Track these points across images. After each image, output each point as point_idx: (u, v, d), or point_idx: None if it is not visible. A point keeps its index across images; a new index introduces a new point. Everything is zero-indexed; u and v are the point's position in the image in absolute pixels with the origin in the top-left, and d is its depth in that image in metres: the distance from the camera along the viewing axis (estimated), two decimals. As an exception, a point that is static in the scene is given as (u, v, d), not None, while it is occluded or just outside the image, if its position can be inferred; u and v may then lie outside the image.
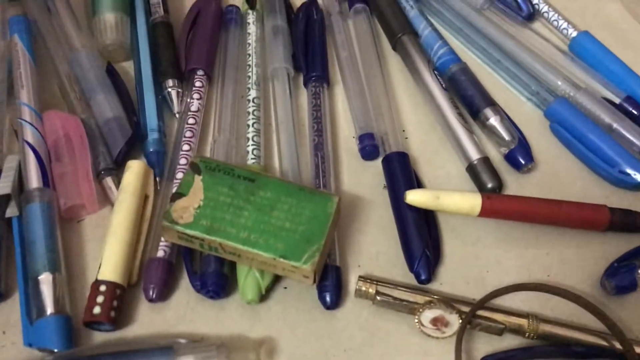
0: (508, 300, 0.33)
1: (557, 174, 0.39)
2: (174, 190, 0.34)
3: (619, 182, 0.38)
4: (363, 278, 0.33)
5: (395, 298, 0.32)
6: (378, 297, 0.32)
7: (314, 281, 0.32)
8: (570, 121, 0.39)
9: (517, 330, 0.32)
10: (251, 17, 0.44)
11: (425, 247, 0.34)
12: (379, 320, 0.33)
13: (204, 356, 0.29)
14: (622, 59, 0.44)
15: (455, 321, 0.31)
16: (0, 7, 0.42)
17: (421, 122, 0.41)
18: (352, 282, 0.34)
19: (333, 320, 0.33)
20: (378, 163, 0.38)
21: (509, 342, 0.32)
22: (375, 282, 0.33)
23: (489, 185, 0.37)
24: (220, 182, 0.33)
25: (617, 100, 0.41)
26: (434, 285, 0.34)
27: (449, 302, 0.32)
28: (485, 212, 0.35)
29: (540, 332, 0.32)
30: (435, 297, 0.32)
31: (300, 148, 0.38)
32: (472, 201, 0.34)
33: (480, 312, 0.32)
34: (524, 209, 0.35)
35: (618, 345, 0.31)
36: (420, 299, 0.32)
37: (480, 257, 0.35)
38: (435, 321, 0.32)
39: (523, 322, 0.32)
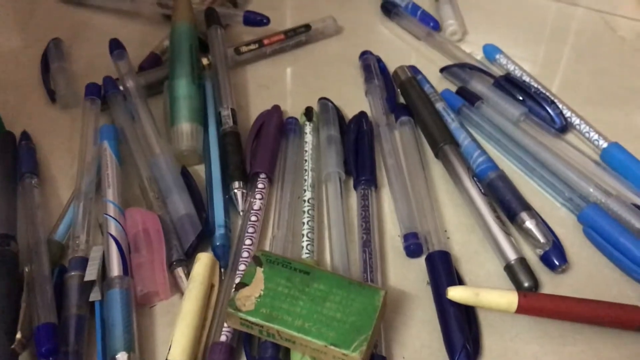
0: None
1: (591, 276, 0.41)
2: (237, 280, 0.38)
3: (653, 283, 0.40)
4: None
5: (438, 389, 0.35)
6: (422, 388, 0.35)
7: (362, 369, 0.34)
8: (602, 226, 0.42)
9: None
10: (308, 128, 0.49)
11: (466, 341, 0.36)
12: (422, 409, 0.35)
13: None
14: (653, 168, 0.47)
15: (494, 412, 0.33)
16: (94, 117, 0.49)
17: (462, 224, 0.45)
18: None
19: (379, 408, 0.35)
20: (422, 261, 0.42)
21: None
22: (418, 373, 0.35)
23: (526, 284, 0.40)
24: (279, 274, 0.37)
25: (647, 207, 0.44)
26: (473, 378, 0.36)
27: None
28: (521, 309, 0.37)
29: None
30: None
31: (350, 245, 0.42)
32: (510, 298, 0.37)
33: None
34: (558, 307, 0.38)
35: None
36: (460, 389, 0.34)
37: (519, 353, 0.37)
38: (475, 411, 0.34)
39: None
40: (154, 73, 0.54)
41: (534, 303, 0.38)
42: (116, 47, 0.54)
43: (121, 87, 0.51)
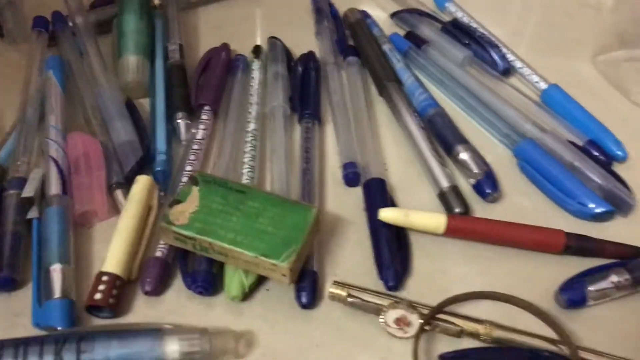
0: (469, 310, 0.37)
1: (523, 206, 0.43)
2: (173, 197, 0.39)
3: (578, 213, 0.41)
4: (337, 282, 0.36)
5: (364, 300, 0.36)
6: (349, 299, 0.36)
7: (291, 280, 0.35)
8: (536, 159, 0.44)
9: (473, 334, 0.35)
10: (256, 65, 0.50)
11: (394, 258, 0.37)
12: (349, 320, 0.36)
13: (188, 337, 0.33)
14: (589, 109, 0.48)
15: (416, 322, 0.35)
16: (40, 49, 0.49)
17: (401, 157, 0.46)
18: (328, 289, 0.37)
19: (308, 319, 0.36)
20: (360, 190, 0.43)
21: (466, 345, 0.35)
22: (347, 286, 0.36)
23: (457, 210, 0.41)
24: (214, 192, 0.37)
25: (580, 143, 0.46)
26: (401, 294, 0.37)
27: (411, 303, 0.35)
28: (449, 231, 0.39)
29: (494, 336, 0.35)
30: (400, 299, 0.36)
31: (291, 175, 0.43)
32: (438, 219, 0.39)
33: (441, 316, 0.35)
34: (485, 229, 0.39)
35: (565, 350, 0.34)
36: (386, 301, 0.35)
37: (447, 273, 0.39)
38: (398, 321, 0.35)
39: (479, 326, 0.35)
40: (104, 11, 0.54)
41: (461, 224, 0.39)
42: (66, -17, 0.53)
43: (70, 24, 0.52)
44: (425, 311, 0.35)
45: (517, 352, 0.34)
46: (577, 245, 0.39)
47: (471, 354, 0.34)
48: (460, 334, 0.35)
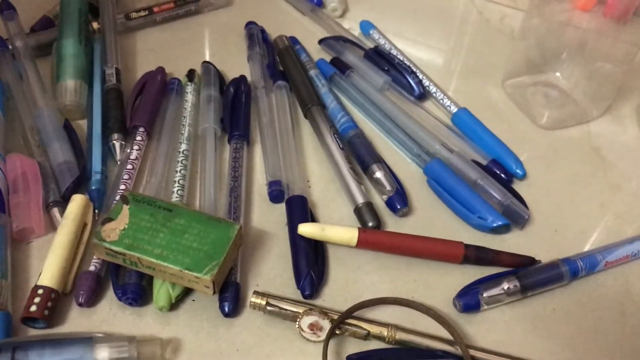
0: (377, 315, 0.41)
1: (431, 220, 0.47)
2: (105, 216, 0.42)
3: (479, 226, 0.46)
4: (257, 292, 0.40)
5: (281, 308, 0.39)
6: (268, 308, 0.39)
7: (214, 291, 0.39)
8: (443, 177, 0.48)
9: (379, 337, 0.39)
10: (189, 88, 0.53)
11: (310, 269, 0.41)
12: (269, 327, 0.40)
13: (118, 345, 0.36)
14: (497, 131, 0.53)
15: (327, 326, 0.39)
16: (-20, 72, 0.51)
17: (323, 175, 0.50)
18: (249, 299, 0.41)
19: (230, 326, 0.40)
20: (283, 206, 0.46)
21: (374, 346, 0.39)
22: (266, 296, 0.40)
23: (370, 224, 0.45)
24: (143, 211, 0.41)
25: (484, 163, 0.51)
26: (317, 302, 0.41)
27: (323, 310, 0.39)
28: (361, 243, 0.43)
29: (397, 338, 0.39)
30: (313, 306, 0.40)
31: (219, 192, 0.46)
32: (351, 233, 0.43)
33: (349, 320, 0.39)
34: (393, 241, 0.44)
35: (457, 349, 0.38)
36: (301, 308, 0.39)
37: (359, 281, 0.43)
38: (312, 326, 0.39)
39: (384, 329, 0.39)
40: (44, 35, 0.57)
41: (371, 237, 0.43)
42: (7, 7, 0.56)
43: (10, 47, 0.54)
44: (336, 316, 0.39)
45: (415, 352, 0.39)
46: (474, 256, 0.44)
47: (374, 354, 0.38)
48: (367, 336, 0.39)
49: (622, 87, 0.58)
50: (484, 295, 0.41)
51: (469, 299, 0.41)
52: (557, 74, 0.59)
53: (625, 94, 0.59)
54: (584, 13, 0.57)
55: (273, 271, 0.43)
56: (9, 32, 0.55)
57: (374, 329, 0.39)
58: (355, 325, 0.39)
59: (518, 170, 0.50)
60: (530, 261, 0.44)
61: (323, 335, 0.39)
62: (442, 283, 0.43)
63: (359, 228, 0.43)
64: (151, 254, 0.38)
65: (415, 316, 0.40)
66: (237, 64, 0.58)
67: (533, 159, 0.52)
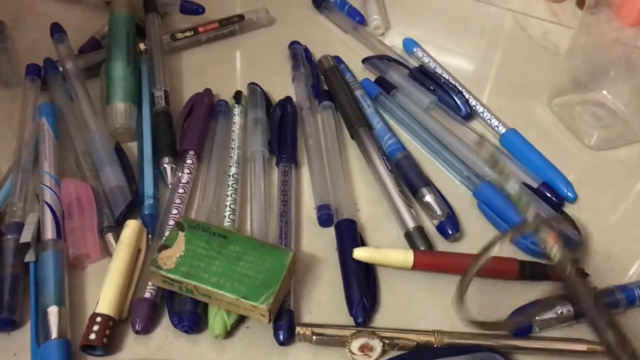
0: (415, 323, 0.41)
1: (482, 244, 0.46)
2: (161, 243, 0.42)
3: (530, 251, 0.46)
4: (300, 324, 0.40)
5: (327, 335, 0.39)
6: (314, 337, 0.39)
7: (269, 320, 0.39)
8: (493, 201, 0.48)
9: (427, 345, 0.39)
10: (237, 110, 0.54)
11: (363, 296, 0.41)
12: (321, 354, 0.40)
13: (176, 375, 0.36)
14: (544, 151, 0.53)
15: (378, 345, 0.39)
16: (33, 96, 0.52)
17: (371, 198, 0.49)
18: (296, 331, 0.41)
19: (284, 354, 0.40)
20: (333, 230, 0.46)
21: None
22: (310, 326, 0.40)
23: (422, 248, 0.45)
24: (198, 237, 0.41)
25: (535, 185, 0.50)
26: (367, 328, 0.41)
27: (370, 331, 0.39)
28: (417, 264, 0.43)
29: (445, 343, 0.39)
30: (360, 328, 0.39)
31: (269, 215, 0.46)
32: (406, 255, 0.43)
33: (397, 335, 0.39)
34: (448, 260, 0.44)
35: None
36: (347, 332, 0.39)
37: (412, 309, 0.43)
38: (362, 348, 0.39)
39: (430, 337, 0.39)
40: (93, 56, 0.57)
41: (427, 258, 0.43)
42: (57, 30, 0.57)
43: (61, 69, 0.55)
44: (385, 334, 0.39)
45: (459, 349, 0.39)
46: (529, 271, 0.44)
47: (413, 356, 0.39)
48: (417, 347, 0.39)
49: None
50: (537, 318, 0.41)
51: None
52: (605, 92, 0.59)
53: (675, 113, 0.58)
54: (632, 29, 0.56)
55: (325, 297, 0.43)
56: (59, 54, 0.55)
57: (421, 339, 0.39)
58: (404, 339, 0.39)
59: (569, 194, 0.50)
60: (582, 273, 0.44)
61: (374, 355, 0.39)
62: (496, 305, 0.43)
63: (414, 249, 0.43)
64: (208, 282, 0.39)
65: (454, 319, 0.41)
66: (281, 83, 0.58)
67: (582, 181, 0.52)
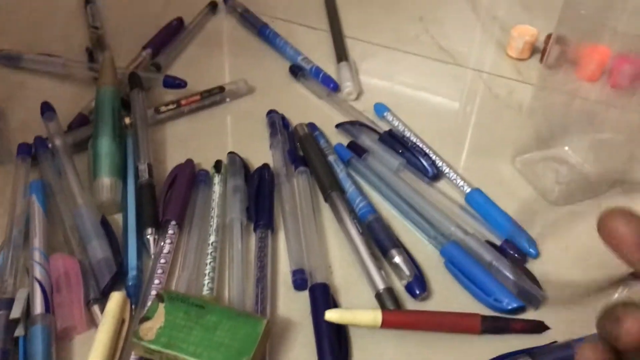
0: None
1: (449, 303, 0.49)
2: (142, 314, 0.45)
3: (495, 308, 0.48)
4: None
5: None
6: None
7: (245, 385, 0.41)
8: (459, 259, 0.51)
9: None
10: (217, 179, 0.57)
11: (334, 357, 0.44)
12: (297, 417, 0.42)
13: None
14: (509, 208, 0.56)
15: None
16: (24, 174, 0.55)
17: (345, 259, 0.52)
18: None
19: (261, 418, 0.42)
20: (307, 293, 0.49)
21: None
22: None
23: (391, 309, 0.47)
24: (178, 308, 0.43)
25: (498, 243, 0.53)
26: (342, 390, 0.43)
27: None
28: (385, 323, 0.45)
29: None
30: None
31: (247, 281, 0.49)
32: (375, 315, 0.45)
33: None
34: (413, 318, 0.46)
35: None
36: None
37: (382, 366, 0.45)
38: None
39: None
40: (81, 132, 0.61)
41: (394, 317, 0.46)
42: (47, 109, 0.60)
43: (50, 145, 0.58)
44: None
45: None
46: (492, 326, 0.46)
47: None
48: None
49: (631, 158, 0.61)
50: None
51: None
52: (566, 148, 0.62)
53: (634, 166, 0.61)
54: (590, 84, 0.60)
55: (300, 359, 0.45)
56: (49, 132, 0.59)
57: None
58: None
59: (531, 250, 0.52)
60: (540, 326, 0.47)
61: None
62: (461, 356, 0.45)
63: (382, 309, 0.46)
64: (186, 352, 0.41)
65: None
66: (260, 150, 0.62)
67: (546, 236, 0.54)
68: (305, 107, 0.68)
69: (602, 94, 0.59)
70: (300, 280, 0.49)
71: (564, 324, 0.48)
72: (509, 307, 0.47)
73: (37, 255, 0.48)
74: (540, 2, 0.86)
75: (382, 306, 0.48)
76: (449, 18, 0.84)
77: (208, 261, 0.50)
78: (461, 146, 0.64)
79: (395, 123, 0.64)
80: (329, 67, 0.73)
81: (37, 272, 0.47)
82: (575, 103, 0.61)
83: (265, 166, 0.59)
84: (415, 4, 0.87)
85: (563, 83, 0.60)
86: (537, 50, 0.76)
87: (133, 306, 0.47)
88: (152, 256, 0.51)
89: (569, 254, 0.53)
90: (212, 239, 0.52)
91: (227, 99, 0.68)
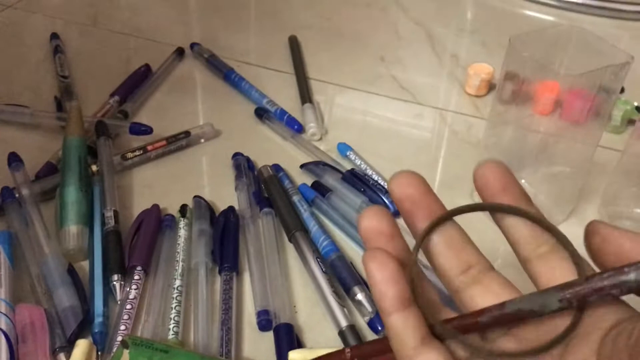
0: None
1: (411, 336, 0.51)
2: (108, 361, 0.45)
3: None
4: None
5: None
6: None
7: None
8: (420, 294, 0.52)
9: None
10: (182, 223, 0.58)
11: (298, 398, 0.44)
12: None
13: None
14: (468, 242, 0.57)
15: None
16: (-10, 225, 0.56)
17: (309, 298, 0.53)
18: None
19: None
20: (272, 333, 0.50)
21: None
22: None
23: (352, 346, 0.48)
24: (142, 354, 0.44)
25: (458, 276, 0.54)
26: None
27: None
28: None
29: None
30: None
31: (212, 324, 0.50)
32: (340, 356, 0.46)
33: None
34: (375, 347, 0.47)
35: None
36: None
37: (345, 405, 0.46)
38: None
39: None
40: (48, 181, 0.62)
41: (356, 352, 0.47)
42: (14, 160, 0.61)
43: (17, 195, 0.59)
44: None
45: None
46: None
47: None
48: None
49: (583, 189, 0.63)
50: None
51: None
52: (522, 180, 0.64)
53: (587, 196, 0.64)
54: (543, 117, 0.62)
55: (265, 401, 0.46)
56: (15, 182, 0.60)
57: None
58: None
59: (490, 281, 0.54)
60: None
61: None
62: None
63: (344, 348, 0.47)
64: (150, 398, 0.42)
65: None
66: (226, 193, 0.63)
67: (504, 269, 0.56)
68: (271, 148, 0.70)
69: (553, 126, 0.61)
70: (265, 321, 0.50)
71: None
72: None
73: (2, 306, 0.49)
74: (497, 40, 0.90)
75: (345, 343, 0.49)
76: (409, 58, 0.88)
77: (173, 305, 0.51)
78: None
79: (358, 162, 0.66)
80: (294, 108, 0.75)
81: (3, 322, 0.48)
82: (529, 136, 0.64)
83: (230, 209, 0.60)
84: (377, 44, 0.90)
85: (517, 117, 0.62)
86: (493, 87, 0.79)
87: (99, 353, 0.48)
88: (119, 302, 0.51)
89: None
90: (177, 283, 0.53)
91: (194, 143, 0.69)
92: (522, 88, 0.61)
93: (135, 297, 0.51)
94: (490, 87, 0.79)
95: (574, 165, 0.62)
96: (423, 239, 0.32)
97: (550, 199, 0.62)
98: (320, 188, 0.63)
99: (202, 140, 0.70)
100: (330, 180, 0.64)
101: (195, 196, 0.61)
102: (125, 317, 0.50)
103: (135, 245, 0.55)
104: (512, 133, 0.64)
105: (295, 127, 0.71)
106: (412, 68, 0.85)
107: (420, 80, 0.82)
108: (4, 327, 0.47)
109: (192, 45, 0.86)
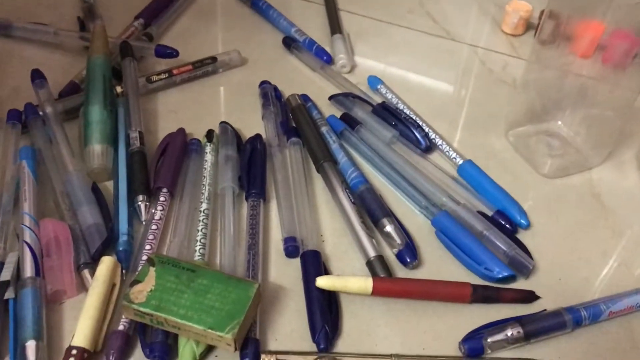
0: (373, 347, 0.44)
1: (440, 271, 0.50)
2: (133, 278, 0.44)
3: (485, 277, 0.48)
4: (265, 352, 0.43)
5: (292, 362, 0.42)
6: (279, 364, 0.42)
7: (235, 348, 0.41)
8: (450, 229, 0.51)
9: None
10: (209, 148, 0.57)
11: (325, 323, 0.44)
12: (287, 380, 0.42)
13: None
14: (501, 181, 0.56)
15: (340, 371, 0.41)
16: (14, 140, 0.55)
17: (336, 229, 0.52)
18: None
19: (251, 381, 0.42)
20: (299, 261, 0.49)
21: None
22: (275, 353, 0.42)
23: (382, 276, 0.47)
24: (168, 272, 0.43)
25: (490, 214, 0.53)
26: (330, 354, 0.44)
27: (332, 356, 0.42)
28: (376, 291, 0.45)
29: None
30: (324, 354, 0.42)
31: (238, 248, 0.49)
32: (366, 282, 0.45)
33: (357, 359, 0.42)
34: (405, 286, 0.47)
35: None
36: (310, 358, 0.42)
37: (372, 334, 0.45)
38: (324, 374, 0.41)
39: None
40: (72, 100, 0.60)
41: (385, 285, 0.46)
42: (37, 76, 0.60)
43: (41, 113, 0.58)
44: (345, 359, 0.42)
45: None
46: (482, 294, 0.46)
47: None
48: None
49: (622, 133, 0.61)
50: (488, 340, 0.44)
51: (474, 344, 0.44)
52: (559, 122, 0.62)
53: (625, 141, 0.62)
54: (583, 60, 0.60)
55: (290, 326, 0.45)
56: (39, 99, 0.58)
57: (380, 361, 0.42)
58: (362, 365, 0.42)
59: (522, 221, 0.53)
60: (531, 295, 0.47)
61: (337, 380, 0.41)
62: (451, 328, 0.45)
63: (373, 277, 0.46)
64: (176, 315, 0.41)
65: (412, 343, 0.43)
66: (252, 121, 0.61)
67: (537, 208, 0.55)
68: (298, 79, 0.68)
69: (594, 70, 0.59)
70: (292, 248, 0.49)
71: (554, 293, 0.48)
72: (500, 276, 0.48)
73: (27, 220, 0.48)
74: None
75: (373, 274, 0.48)
76: (444, -7, 0.84)
77: (199, 228, 0.50)
78: (454, 119, 0.64)
79: (389, 95, 0.64)
80: (323, 39, 0.72)
81: (27, 235, 0.47)
82: (568, 78, 0.61)
83: (257, 136, 0.58)
84: (410, -21, 0.87)
85: (556, 58, 0.60)
86: (531, 26, 0.76)
87: (124, 271, 0.47)
88: (143, 222, 0.51)
89: (560, 225, 0.54)
90: (204, 206, 0.52)
91: (220, 70, 0.67)
92: (564, 28, 0.58)
93: (160, 218, 0.50)
94: (528, 26, 0.76)
95: (614, 110, 0.59)
96: None
97: (588, 142, 0.60)
98: (349, 120, 0.61)
99: (229, 68, 0.68)
100: (359, 112, 0.62)
101: (221, 122, 0.59)
102: (151, 237, 0.49)
103: (160, 167, 0.54)
104: (551, 74, 0.61)
105: (325, 58, 0.69)
106: (447, 4, 0.82)
107: (455, 16, 0.79)
108: (28, 239, 0.47)
109: (219, -28, 0.82)
